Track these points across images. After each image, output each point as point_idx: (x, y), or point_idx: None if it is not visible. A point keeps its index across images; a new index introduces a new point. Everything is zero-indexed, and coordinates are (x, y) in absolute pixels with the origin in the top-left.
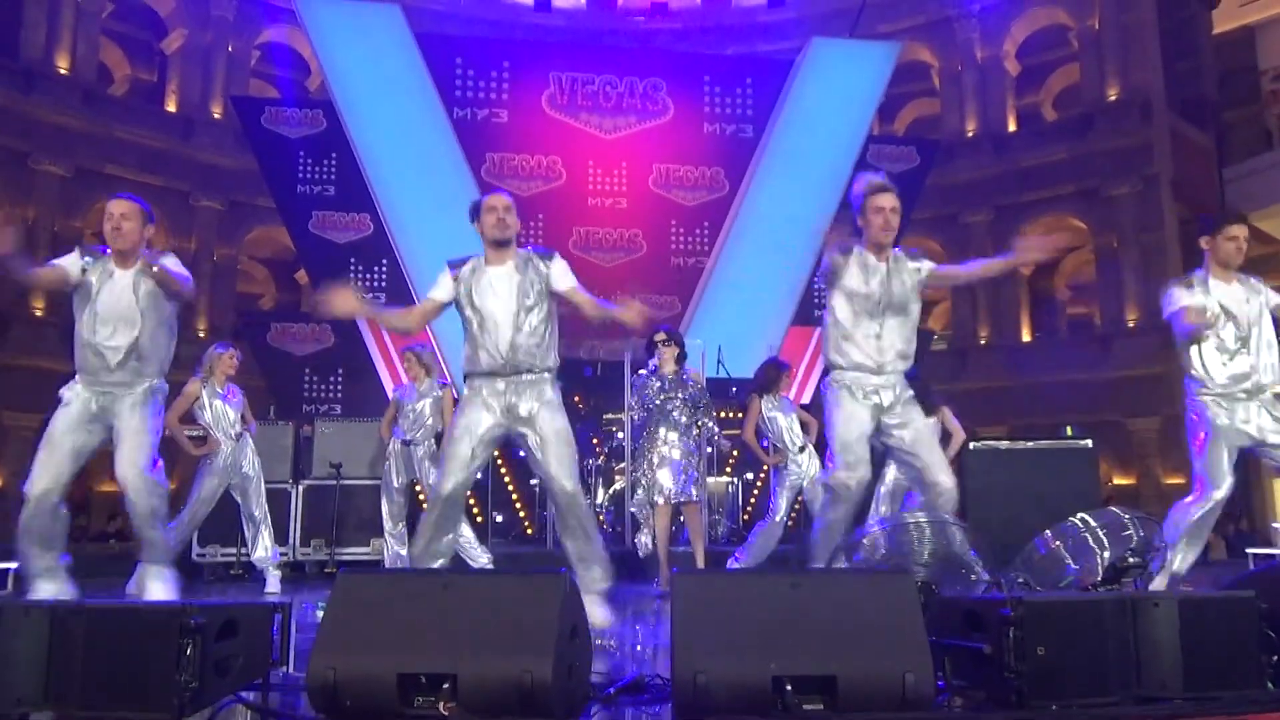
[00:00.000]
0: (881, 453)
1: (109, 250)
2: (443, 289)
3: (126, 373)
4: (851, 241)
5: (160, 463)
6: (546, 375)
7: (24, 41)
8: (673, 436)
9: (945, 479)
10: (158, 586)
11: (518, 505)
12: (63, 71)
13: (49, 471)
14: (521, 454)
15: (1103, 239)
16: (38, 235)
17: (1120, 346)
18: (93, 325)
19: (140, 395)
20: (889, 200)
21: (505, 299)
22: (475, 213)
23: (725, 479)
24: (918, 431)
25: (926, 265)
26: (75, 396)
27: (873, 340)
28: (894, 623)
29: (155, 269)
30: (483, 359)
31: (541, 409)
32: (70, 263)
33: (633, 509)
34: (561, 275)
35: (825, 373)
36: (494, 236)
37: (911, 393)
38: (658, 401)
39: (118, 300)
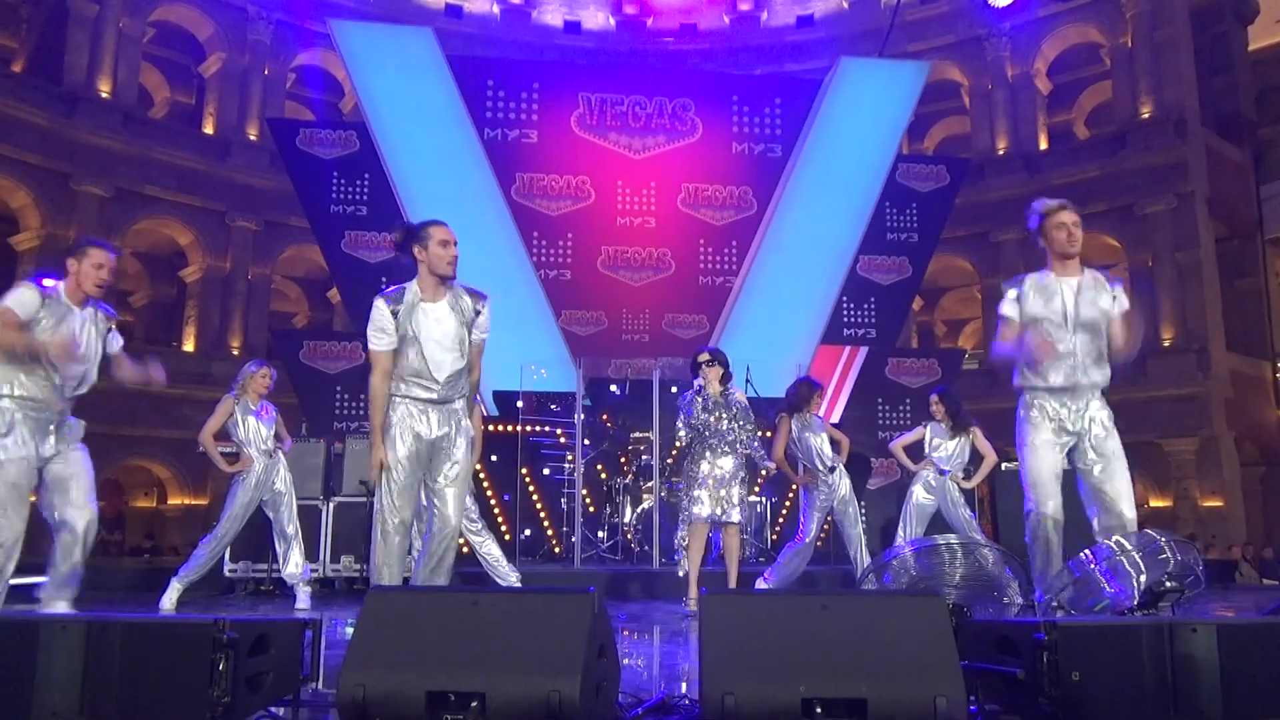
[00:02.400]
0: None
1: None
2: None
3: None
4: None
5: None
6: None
7: (67, 66)
8: (718, 458)
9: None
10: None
11: (545, 523)
12: (104, 95)
13: None
14: (546, 471)
15: (1137, 257)
16: None
17: (1155, 366)
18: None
19: None
20: (1070, 215)
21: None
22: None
23: (753, 498)
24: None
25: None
26: None
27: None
28: (925, 645)
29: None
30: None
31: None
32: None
33: (680, 528)
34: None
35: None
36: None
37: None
38: (703, 419)
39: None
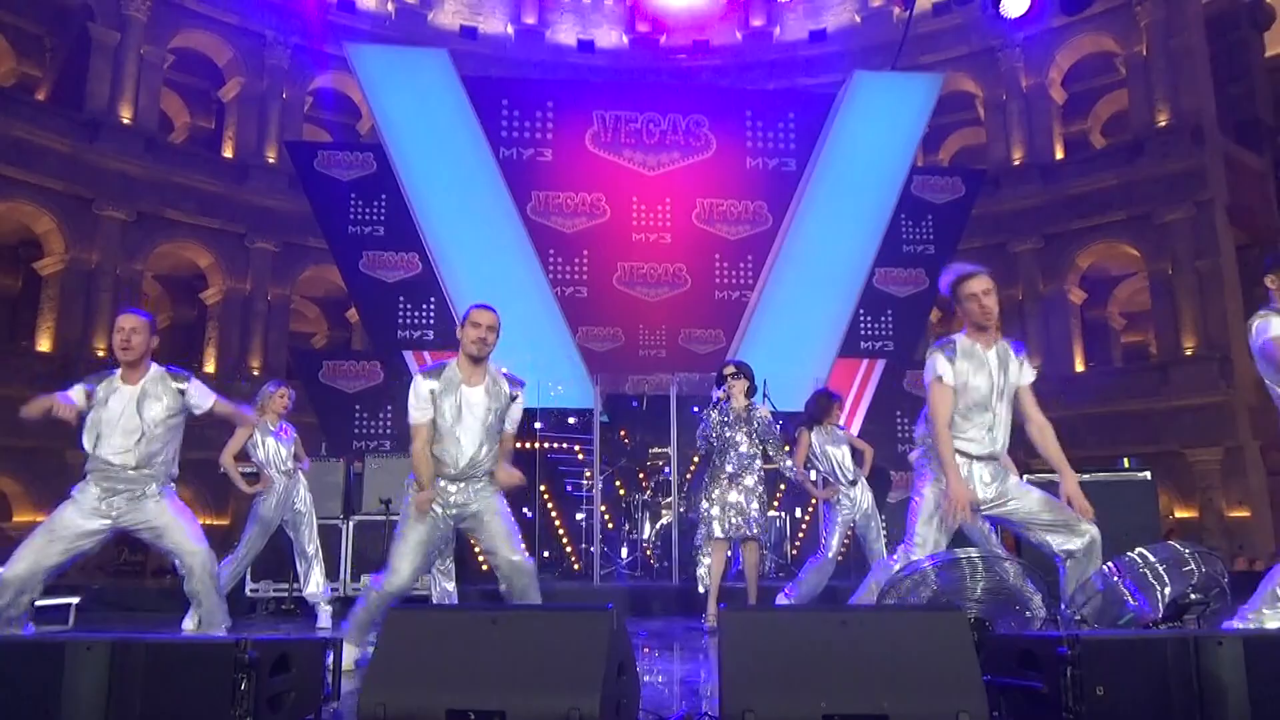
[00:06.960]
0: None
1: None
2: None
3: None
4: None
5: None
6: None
7: (89, 93)
8: (738, 473)
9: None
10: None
11: (564, 540)
12: (126, 121)
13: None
14: (570, 488)
15: (1156, 266)
16: (101, 278)
17: (1178, 375)
18: (100, 439)
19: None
20: (982, 284)
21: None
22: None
23: (772, 513)
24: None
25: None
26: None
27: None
28: (947, 661)
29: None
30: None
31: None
32: (76, 394)
33: (698, 543)
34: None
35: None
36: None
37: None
38: (723, 434)
39: (124, 414)
